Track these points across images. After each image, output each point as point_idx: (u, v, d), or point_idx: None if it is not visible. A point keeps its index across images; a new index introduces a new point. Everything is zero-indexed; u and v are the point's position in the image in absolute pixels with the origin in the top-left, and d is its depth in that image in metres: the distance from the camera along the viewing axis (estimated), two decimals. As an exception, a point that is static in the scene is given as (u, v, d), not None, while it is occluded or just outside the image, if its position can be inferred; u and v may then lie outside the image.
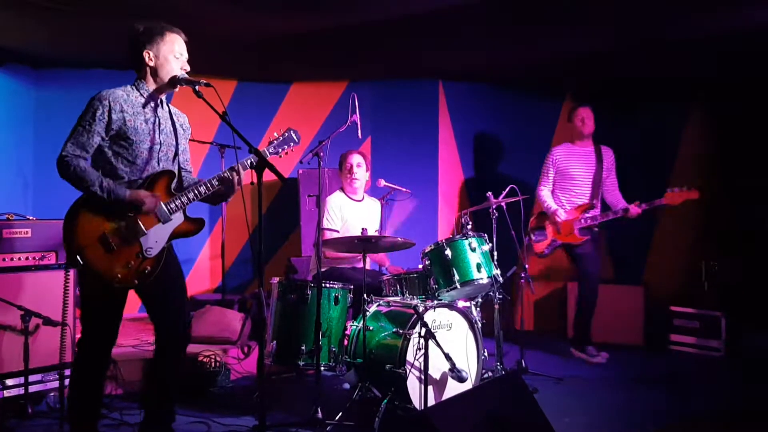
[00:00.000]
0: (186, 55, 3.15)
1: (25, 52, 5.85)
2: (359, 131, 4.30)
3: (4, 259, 3.80)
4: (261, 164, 2.92)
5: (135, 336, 5.15)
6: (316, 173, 4.03)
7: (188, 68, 3.15)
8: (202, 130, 5.81)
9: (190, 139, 3.38)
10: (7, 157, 5.95)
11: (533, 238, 5.72)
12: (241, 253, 6.76)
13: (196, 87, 3.01)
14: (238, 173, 3.17)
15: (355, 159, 4.97)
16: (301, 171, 6.33)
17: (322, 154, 3.90)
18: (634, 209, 5.33)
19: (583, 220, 5.45)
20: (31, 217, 4.02)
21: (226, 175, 3.16)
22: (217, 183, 3.16)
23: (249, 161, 3.15)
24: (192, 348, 4.71)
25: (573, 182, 5.65)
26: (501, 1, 4.52)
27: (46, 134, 6.14)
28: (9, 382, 3.76)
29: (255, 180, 2.91)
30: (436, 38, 5.45)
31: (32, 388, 3.78)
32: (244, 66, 6.46)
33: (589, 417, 4.12)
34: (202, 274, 6.71)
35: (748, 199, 6.33)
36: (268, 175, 2.95)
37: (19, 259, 3.86)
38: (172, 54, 3.10)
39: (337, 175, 5.18)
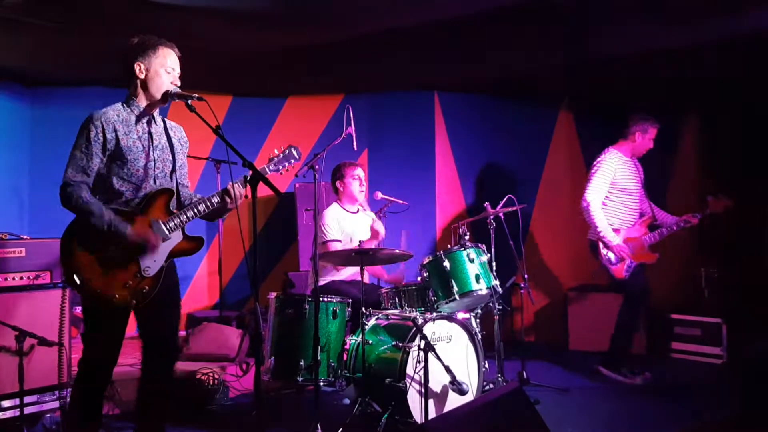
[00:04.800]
0: (178, 70, 3.13)
1: (19, 71, 5.85)
2: (354, 143, 4.29)
3: (-2, 280, 3.77)
4: (255, 178, 2.89)
5: (132, 355, 5.08)
6: (312, 187, 4.00)
7: (179, 83, 3.13)
8: (197, 145, 5.76)
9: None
10: (2, 176, 5.93)
11: (613, 261, 5.21)
12: (238, 269, 6.72)
13: (189, 101, 2.99)
14: (236, 190, 3.14)
15: (362, 172, 4.95)
16: (297, 185, 6.32)
17: (317, 167, 3.87)
18: (693, 220, 5.21)
19: (650, 237, 5.22)
20: (25, 237, 3.99)
21: (225, 192, 3.13)
22: (217, 201, 3.13)
23: (245, 177, 3.13)
24: (190, 365, 4.69)
25: (628, 196, 5.33)
26: (496, 12, 4.52)
27: (41, 153, 6.12)
28: (4, 403, 3.71)
29: (250, 194, 2.89)
30: (431, 50, 5.46)
31: (28, 410, 3.74)
32: (240, 81, 6.46)
33: (592, 428, 4.09)
34: (199, 290, 6.67)
35: (748, 205, 6.31)
36: (264, 190, 2.92)
37: (14, 278, 3.82)
38: (164, 68, 3.07)
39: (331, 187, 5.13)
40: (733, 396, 4.84)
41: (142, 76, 3.08)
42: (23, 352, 3.58)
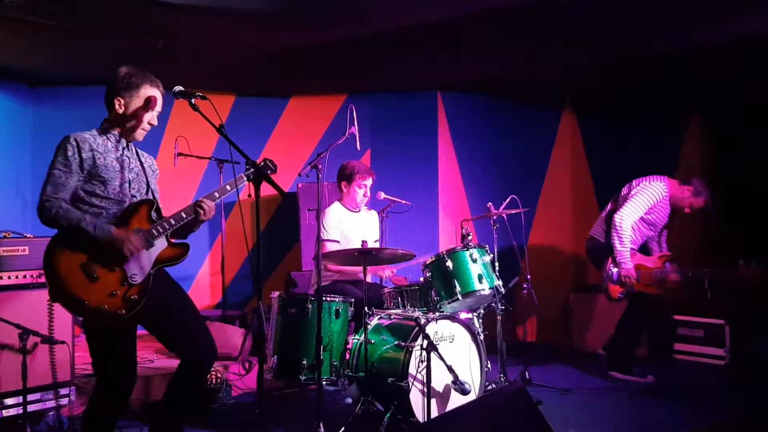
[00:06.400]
0: (159, 110, 3.13)
1: (22, 70, 5.86)
2: (357, 143, 4.28)
3: (1, 278, 3.77)
4: (259, 177, 2.89)
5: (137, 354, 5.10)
6: (315, 187, 3.99)
7: (156, 123, 3.14)
8: (200, 145, 5.80)
9: (188, 155, 3.35)
10: (5, 175, 5.94)
11: (613, 278, 5.20)
12: (241, 268, 6.73)
13: (192, 100, 2.99)
14: (207, 203, 3.15)
15: (371, 182, 4.92)
16: (300, 185, 6.32)
17: (320, 166, 3.87)
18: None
19: (660, 272, 5.11)
20: (28, 235, 4.00)
21: (197, 206, 3.14)
22: (185, 216, 3.13)
23: (247, 176, 3.12)
24: (192, 364, 4.69)
25: (647, 226, 5.27)
26: (499, 13, 4.52)
27: (44, 152, 6.03)
28: (8, 401, 3.72)
29: (253, 194, 2.88)
30: (434, 50, 5.46)
31: (31, 407, 3.74)
32: (243, 81, 6.46)
33: (595, 428, 4.08)
34: (202, 290, 6.67)
35: (750, 207, 6.30)
36: (266, 190, 2.92)
37: (17, 277, 3.83)
38: (142, 110, 3.08)
39: (335, 186, 5.11)
40: (735, 397, 4.84)
41: (120, 112, 3.09)
42: (26, 350, 3.59)
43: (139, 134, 3.15)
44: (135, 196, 3.13)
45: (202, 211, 3.13)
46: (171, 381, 3.24)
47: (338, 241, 4.77)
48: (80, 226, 2.89)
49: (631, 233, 5.19)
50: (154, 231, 3.06)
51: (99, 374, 3.06)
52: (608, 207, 5.45)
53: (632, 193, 5.21)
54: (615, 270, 5.16)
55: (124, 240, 2.94)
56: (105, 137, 3.10)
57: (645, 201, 5.15)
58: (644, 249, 5.41)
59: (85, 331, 3.06)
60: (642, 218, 5.19)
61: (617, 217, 5.12)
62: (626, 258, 5.09)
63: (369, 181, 4.90)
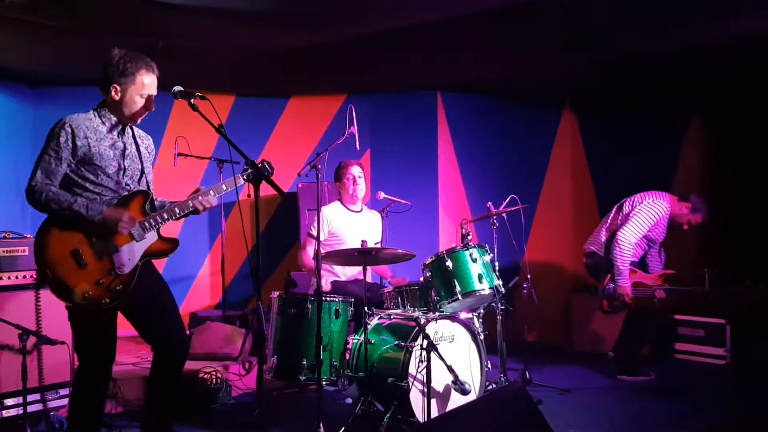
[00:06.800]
0: (154, 92, 3.14)
1: (22, 70, 5.85)
2: (357, 143, 4.28)
3: (1, 278, 3.77)
4: (259, 177, 2.89)
5: (135, 354, 5.11)
6: (315, 187, 3.99)
7: (153, 108, 3.15)
8: (200, 145, 5.80)
9: (188, 155, 3.36)
10: (5, 176, 5.94)
11: (608, 291, 5.23)
12: (241, 268, 6.72)
13: (192, 100, 2.99)
14: (209, 201, 3.19)
15: (357, 170, 4.92)
16: (300, 185, 6.32)
17: (320, 166, 3.87)
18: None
19: (662, 291, 5.11)
20: (28, 235, 4.00)
21: (197, 200, 3.16)
22: (191, 205, 3.16)
23: (247, 176, 3.12)
24: (193, 365, 4.69)
25: (647, 241, 5.28)
26: (499, 13, 4.51)
27: None
28: (7, 402, 3.71)
29: (253, 194, 2.88)
30: (434, 50, 5.45)
31: (31, 408, 3.74)
32: (242, 81, 6.46)
33: (595, 429, 4.08)
34: (202, 290, 6.67)
35: (750, 207, 6.30)
36: (267, 190, 2.92)
37: (17, 277, 3.83)
38: (139, 95, 3.09)
39: (335, 186, 5.12)
40: (735, 397, 4.84)
41: (117, 98, 3.09)
42: (26, 350, 3.59)
43: (136, 119, 3.15)
44: (128, 184, 3.14)
45: (200, 208, 3.16)
46: (148, 383, 3.31)
47: (318, 240, 4.75)
48: (72, 208, 2.91)
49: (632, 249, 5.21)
50: (146, 223, 3.08)
51: (80, 360, 3.09)
52: (609, 218, 5.44)
53: (634, 211, 5.21)
54: (611, 286, 5.17)
55: (117, 218, 2.96)
56: (101, 121, 3.10)
57: (647, 219, 5.16)
58: (643, 263, 5.41)
59: (70, 318, 3.08)
60: (645, 235, 5.21)
61: (620, 234, 5.13)
62: (625, 276, 5.12)
63: (356, 170, 4.90)
